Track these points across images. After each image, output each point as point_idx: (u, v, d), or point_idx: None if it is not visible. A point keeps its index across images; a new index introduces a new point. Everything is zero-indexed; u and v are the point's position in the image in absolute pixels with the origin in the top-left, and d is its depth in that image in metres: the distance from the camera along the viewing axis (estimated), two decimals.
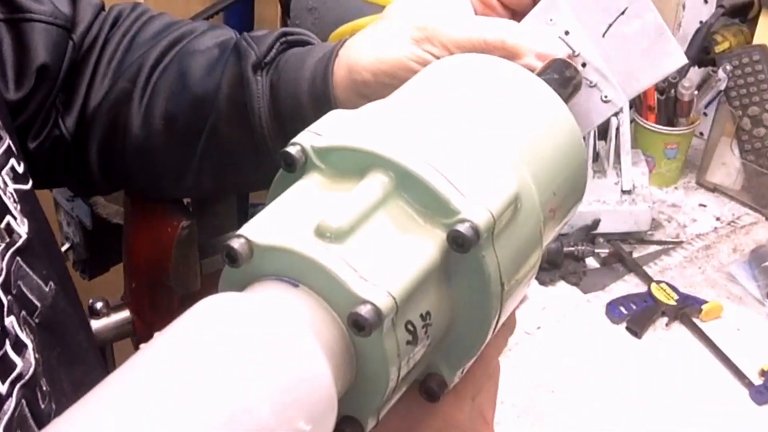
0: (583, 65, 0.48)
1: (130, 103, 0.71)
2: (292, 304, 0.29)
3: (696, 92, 1.29)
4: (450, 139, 0.34)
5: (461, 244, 0.30)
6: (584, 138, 1.19)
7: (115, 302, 0.88)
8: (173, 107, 0.69)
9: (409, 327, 0.30)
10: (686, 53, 1.31)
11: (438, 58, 0.53)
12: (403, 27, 0.56)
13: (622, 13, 0.46)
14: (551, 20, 0.49)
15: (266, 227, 0.31)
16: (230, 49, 0.68)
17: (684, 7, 1.40)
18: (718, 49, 1.31)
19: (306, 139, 0.33)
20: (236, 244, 0.30)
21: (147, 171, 0.74)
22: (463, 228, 0.30)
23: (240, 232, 0.31)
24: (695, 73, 1.37)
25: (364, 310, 0.28)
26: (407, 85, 0.40)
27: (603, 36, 0.47)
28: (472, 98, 0.37)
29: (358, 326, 0.28)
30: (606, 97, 0.47)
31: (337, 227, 0.30)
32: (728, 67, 1.27)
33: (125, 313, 0.87)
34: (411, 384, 0.35)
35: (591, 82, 0.48)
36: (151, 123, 0.70)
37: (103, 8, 0.75)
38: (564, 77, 0.46)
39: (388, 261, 0.30)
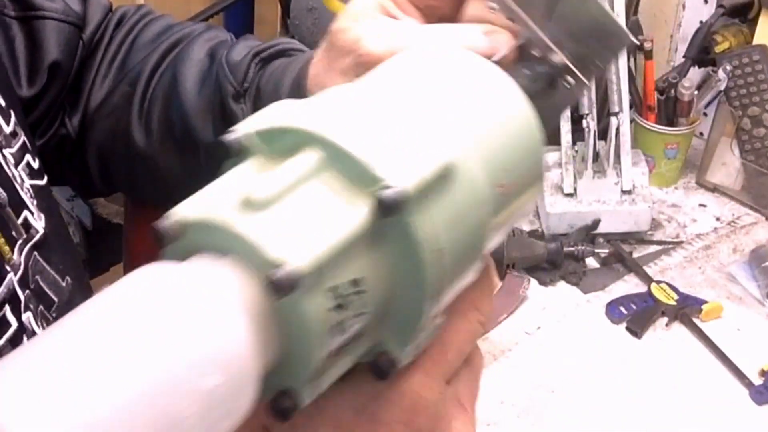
0: (536, 51, 0.47)
1: (130, 108, 0.71)
2: (213, 272, 0.30)
3: (696, 92, 1.29)
4: (387, 116, 0.35)
5: (387, 208, 0.31)
6: (584, 137, 1.19)
7: None
8: (169, 115, 0.69)
9: (336, 292, 0.31)
10: (686, 53, 1.33)
11: None
12: (345, 59, 0.54)
13: None
14: (494, 7, 0.48)
15: (195, 204, 0.32)
16: (214, 75, 0.67)
17: (684, 7, 1.40)
18: (718, 49, 1.31)
19: (243, 125, 0.34)
20: (160, 224, 0.31)
21: (151, 177, 0.74)
22: (387, 193, 0.31)
23: (169, 211, 0.31)
24: (695, 73, 1.37)
25: (280, 272, 0.29)
26: (365, 76, 0.41)
27: (547, 19, 0.46)
28: (419, 82, 0.38)
29: (274, 288, 0.29)
30: (568, 82, 0.47)
31: (260, 197, 0.30)
32: (728, 67, 1.27)
33: None
34: (363, 362, 0.35)
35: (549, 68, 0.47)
36: (151, 129, 0.70)
37: (111, 9, 0.76)
38: (535, 72, 0.46)
39: (312, 227, 0.31)
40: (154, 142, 0.70)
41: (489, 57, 0.47)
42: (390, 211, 0.31)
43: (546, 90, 0.47)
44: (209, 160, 0.68)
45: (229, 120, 0.64)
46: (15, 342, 0.55)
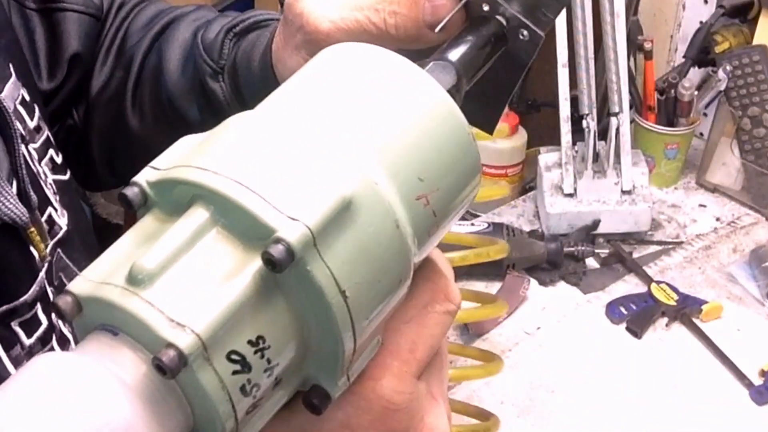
0: (485, 6, 0.47)
1: (125, 93, 0.71)
2: (103, 353, 0.30)
3: (696, 92, 1.29)
4: (285, 149, 0.33)
5: (276, 266, 0.29)
6: (584, 137, 1.18)
7: None
8: (158, 98, 0.69)
9: (234, 357, 0.30)
10: (686, 53, 1.33)
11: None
12: (296, 35, 0.53)
13: None
14: None
15: (91, 276, 0.31)
16: (193, 54, 0.67)
17: (684, 7, 1.40)
18: (718, 49, 1.31)
19: (142, 176, 0.33)
20: (60, 300, 0.31)
21: (147, 160, 0.74)
22: (275, 250, 0.29)
23: (69, 286, 0.31)
24: (695, 74, 1.37)
25: (166, 355, 0.28)
26: (276, 90, 0.39)
27: None
28: (325, 96, 0.36)
29: (162, 370, 0.29)
30: (524, 35, 0.46)
31: (147, 270, 0.30)
32: (728, 68, 1.27)
33: None
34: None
35: (505, 23, 0.47)
36: (144, 113, 0.70)
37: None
38: (482, 35, 0.45)
39: (199, 297, 0.30)
40: (148, 125, 0.70)
41: (434, 23, 0.47)
42: (281, 267, 0.29)
43: (497, 49, 0.46)
44: None
45: (209, 99, 0.64)
46: (45, 340, 0.56)
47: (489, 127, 0.51)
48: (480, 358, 0.92)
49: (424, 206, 0.35)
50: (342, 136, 0.34)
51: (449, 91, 0.40)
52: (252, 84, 0.61)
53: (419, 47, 0.48)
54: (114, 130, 0.72)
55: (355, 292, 0.32)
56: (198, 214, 0.31)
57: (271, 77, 0.58)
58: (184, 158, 0.33)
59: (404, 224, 0.34)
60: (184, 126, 0.67)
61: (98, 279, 0.31)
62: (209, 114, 0.65)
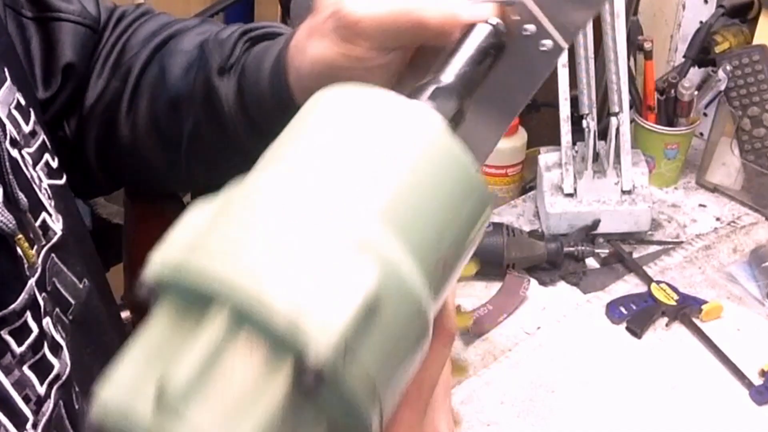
0: (516, 15, 0.45)
1: (120, 104, 0.71)
2: None
3: (696, 92, 1.29)
4: (297, 239, 0.30)
5: (308, 393, 0.29)
6: (584, 138, 1.18)
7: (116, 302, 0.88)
8: (155, 108, 0.69)
9: None
10: (686, 53, 1.32)
11: (363, 55, 0.51)
12: (326, 22, 0.53)
13: None
14: None
15: (114, 396, 0.30)
16: (202, 58, 0.66)
17: (684, 7, 1.40)
18: (718, 49, 1.31)
19: (151, 271, 0.31)
20: (90, 420, 0.30)
21: (139, 170, 0.74)
22: (304, 379, 0.28)
23: (92, 414, 0.30)
24: (695, 73, 1.37)
25: None
26: (270, 150, 0.36)
27: None
28: (329, 165, 0.33)
29: None
30: (544, 45, 0.45)
31: (176, 391, 0.28)
32: (728, 67, 1.27)
33: (125, 314, 0.87)
34: None
35: (527, 30, 0.45)
36: (137, 123, 0.70)
37: (113, 10, 0.76)
38: (480, 47, 0.44)
39: (232, 419, 0.28)
40: (139, 137, 0.70)
41: (469, 21, 0.46)
42: (312, 394, 0.28)
43: (496, 60, 0.45)
44: (190, 151, 0.68)
45: (210, 100, 0.64)
46: (36, 348, 0.55)
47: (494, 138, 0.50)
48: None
49: (443, 267, 0.34)
50: (357, 211, 0.32)
51: (454, 117, 0.39)
52: (256, 90, 0.61)
53: (445, 42, 0.46)
54: (107, 140, 0.72)
55: (383, 386, 0.31)
56: (216, 325, 0.29)
57: (282, 78, 0.58)
58: (195, 248, 0.31)
59: (427, 300, 0.33)
60: (175, 139, 0.67)
61: (122, 399, 0.29)
62: (208, 118, 0.65)
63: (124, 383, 0.30)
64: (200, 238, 0.31)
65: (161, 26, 0.73)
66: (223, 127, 0.64)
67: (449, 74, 0.42)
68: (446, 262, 0.34)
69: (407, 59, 0.53)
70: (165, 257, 0.31)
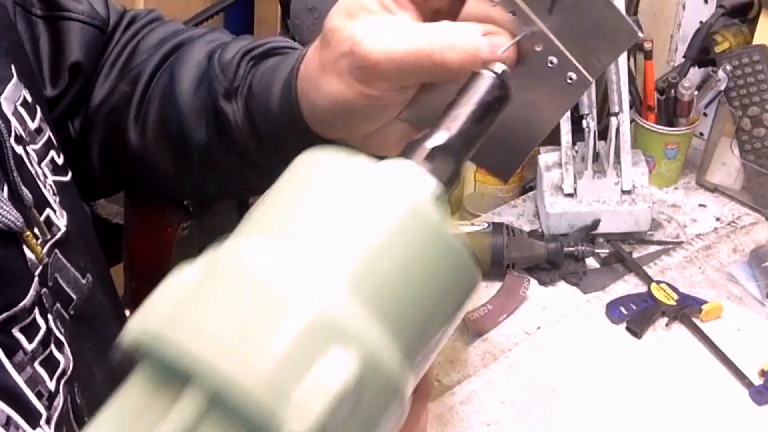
0: (538, 47, 0.45)
1: (128, 108, 0.71)
2: None
3: (696, 92, 1.29)
4: (274, 322, 0.30)
5: None
6: (584, 137, 1.18)
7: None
8: (165, 117, 0.69)
9: None
10: (686, 53, 1.32)
11: (381, 95, 0.50)
12: (341, 60, 0.51)
13: None
14: (495, 1, 0.46)
15: None
16: (207, 75, 0.66)
17: (684, 7, 1.40)
18: (718, 49, 1.31)
19: (130, 334, 0.31)
20: None
21: (146, 176, 0.74)
22: None
23: None
24: (695, 73, 1.37)
25: None
26: (254, 213, 0.35)
27: (550, 12, 0.44)
28: (311, 239, 0.33)
29: None
30: (571, 78, 0.44)
31: None
32: (728, 67, 1.27)
33: (128, 311, 0.87)
34: None
35: (551, 63, 0.45)
36: (147, 129, 0.70)
37: (124, 14, 0.76)
38: (484, 105, 0.42)
39: None
40: (148, 143, 0.71)
41: (490, 60, 0.45)
42: None
43: (499, 113, 0.44)
44: (203, 162, 0.68)
45: (220, 120, 0.64)
46: (45, 344, 0.55)
47: (506, 175, 0.49)
48: None
49: (424, 342, 0.34)
50: (341, 294, 0.31)
51: (450, 179, 0.38)
52: (266, 111, 0.60)
53: (458, 78, 0.46)
54: (113, 143, 0.73)
55: None
56: (193, 402, 0.29)
57: (294, 105, 0.57)
58: (175, 318, 0.30)
59: (405, 382, 0.33)
60: (189, 147, 0.67)
61: None
62: (218, 137, 0.65)
63: None
64: (180, 310, 0.31)
65: (171, 33, 0.74)
66: (234, 146, 0.64)
67: (449, 131, 0.41)
68: (428, 337, 0.34)
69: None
70: (144, 325, 0.31)
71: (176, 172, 0.71)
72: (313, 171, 0.35)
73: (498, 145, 0.46)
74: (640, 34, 0.43)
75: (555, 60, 0.45)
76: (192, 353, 0.29)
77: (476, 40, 0.47)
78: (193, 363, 0.29)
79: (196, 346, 0.29)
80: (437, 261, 0.34)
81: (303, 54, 0.58)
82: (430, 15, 0.52)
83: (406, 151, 0.39)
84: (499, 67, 0.45)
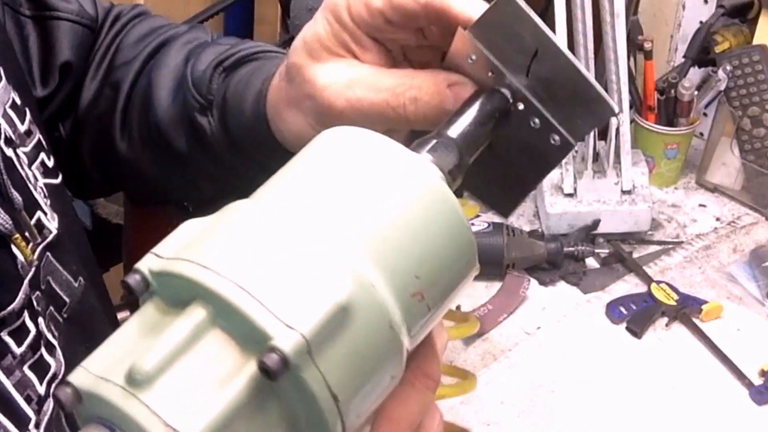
0: (520, 105, 0.46)
1: (114, 114, 0.71)
2: None
3: (696, 92, 1.29)
4: (284, 250, 0.33)
5: (270, 375, 0.30)
6: (584, 138, 1.18)
7: (115, 302, 0.88)
8: (146, 124, 0.69)
9: None
10: (686, 53, 1.32)
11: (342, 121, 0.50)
12: (304, 101, 0.51)
13: (535, 55, 0.44)
14: (472, 58, 0.46)
15: (92, 369, 0.32)
16: (183, 85, 0.66)
17: (684, 7, 1.40)
18: (718, 49, 1.31)
19: (145, 263, 0.34)
20: (60, 392, 0.32)
21: (137, 180, 0.74)
22: (270, 359, 0.30)
23: (69, 377, 0.32)
24: (695, 73, 1.37)
25: None
26: (273, 178, 0.39)
27: (527, 75, 0.45)
28: (323, 191, 0.36)
29: None
30: (554, 139, 0.45)
31: (146, 371, 0.31)
32: (728, 67, 1.27)
33: (125, 314, 0.87)
34: None
35: (534, 123, 0.45)
36: (132, 135, 0.70)
37: (110, 10, 0.76)
38: (485, 110, 0.44)
39: (195, 402, 0.31)
40: (136, 149, 0.70)
41: (454, 109, 0.46)
42: (276, 376, 0.30)
43: (502, 123, 0.45)
44: (186, 168, 0.68)
45: (197, 133, 0.64)
46: (34, 348, 0.55)
47: (506, 212, 0.51)
48: (455, 375, 0.91)
49: (419, 301, 0.36)
50: (341, 236, 0.34)
51: (451, 171, 0.41)
52: (241, 124, 0.60)
53: (426, 128, 0.46)
54: (103, 149, 0.72)
55: (346, 395, 0.33)
56: (197, 314, 0.32)
57: (263, 125, 0.57)
58: (186, 249, 0.33)
59: (399, 323, 0.35)
60: (172, 154, 0.67)
61: (98, 372, 0.32)
62: (197, 146, 0.65)
63: (103, 360, 0.32)
64: (191, 244, 0.34)
65: (150, 31, 0.73)
66: (214, 155, 0.64)
67: (452, 131, 0.43)
68: (424, 299, 0.36)
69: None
70: (155, 259, 0.34)
71: (163, 177, 0.71)
72: (336, 144, 0.38)
73: (496, 187, 0.49)
74: (616, 108, 0.43)
75: (537, 121, 0.45)
76: (197, 273, 0.32)
77: (442, 92, 0.47)
78: (198, 282, 0.32)
79: (200, 268, 0.32)
80: (443, 232, 0.37)
81: (273, 68, 0.57)
82: (399, 50, 0.51)
83: (415, 147, 0.42)
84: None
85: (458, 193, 0.45)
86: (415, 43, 0.51)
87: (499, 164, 0.48)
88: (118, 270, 0.90)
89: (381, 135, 0.38)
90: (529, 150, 0.46)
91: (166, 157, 0.68)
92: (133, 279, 0.33)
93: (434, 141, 0.42)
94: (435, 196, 0.37)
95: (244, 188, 0.42)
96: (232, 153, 0.63)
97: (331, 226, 0.34)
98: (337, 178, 0.37)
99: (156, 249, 0.34)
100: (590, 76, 0.44)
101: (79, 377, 0.32)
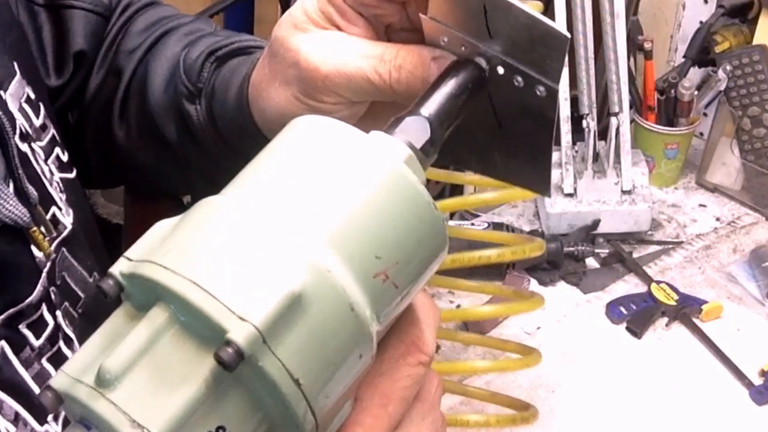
0: (501, 69, 0.46)
1: (114, 103, 0.71)
2: None
3: (696, 92, 1.29)
4: (240, 244, 0.34)
5: (227, 366, 0.32)
6: (584, 138, 1.18)
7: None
8: (143, 113, 0.69)
9: None
10: (686, 53, 1.32)
11: (328, 110, 0.51)
12: (289, 71, 0.51)
13: (485, 12, 0.44)
14: (444, 40, 0.47)
15: (69, 371, 0.34)
16: (175, 74, 0.66)
17: (684, 7, 1.40)
18: (718, 49, 1.31)
19: (117, 267, 0.35)
20: (42, 396, 0.34)
21: (136, 171, 0.74)
22: (224, 352, 0.31)
23: (50, 380, 0.34)
24: (695, 73, 1.37)
25: None
26: (241, 173, 0.39)
27: (491, 37, 0.45)
28: (282, 183, 0.37)
29: None
30: (540, 90, 0.45)
31: (112, 372, 0.33)
32: (728, 67, 1.27)
33: None
34: None
35: (517, 82, 0.45)
36: (130, 124, 0.70)
37: (120, 1, 0.76)
38: (458, 82, 0.45)
39: (158, 398, 0.32)
40: (133, 138, 0.70)
41: (457, 61, 0.46)
42: (231, 367, 0.31)
43: (476, 94, 0.46)
44: (178, 158, 0.68)
45: (185, 121, 0.64)
46: (53, 340, 0.55)
47: (543, 187, 0.50)
48: (520, 352, 0.93)
49: (383, 281, 0.36)
50: (297, 225, 0.35)
51: (423, 148, 0.41)
52: (225, 113, 0.60)
53: (408, 101, 0.46)
54: (103, 137, 0.72)
55: (309, 377, 0.34)
56: (158, 315, 0.34)
57: (245, 110, 0.57)
58: (152, 251, 0.35)
59: (361, 305, 0.35)
60: (164, 143, 0.67)
61: (74, 374, 0.34)
62: (186, 135, 0.65)
63: (79, 363, 0.34)
64: (158, 245, 0.35)
65: (159, 19, 0.73)
66: (200, 145, 0.64)
67: (425, 107, 0.44)
68: (389, 278, 0.37)
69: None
70: (125, 262, 0.35)
71: (159, 167, 0.71)
72: (296, 133, 0.39)
73: (523, 167, 0.49)
74: (568, 35, 0.43)
75: (519, 78, 0.45)
76: (158, 276, 0.33)
77: (425, 63, 0.47)
78: (159, 283, 0.33)
79: (162, 270, 0.34)
80: (403, 211, 0.37)
81: (254, 61, 0.57)
82: (383, 29, 0.51)
83: (387, 127, 0.42)
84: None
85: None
86: (399, 23, 0.51)
87: (512, 140, 0.48)
88: None
89: (339, 122, 0.38)
90: (526, 112, 0.46)
91: (159, 146, 0.68)
92: (106, 284, 0.35)
93: (406, 119, 0.42)
94: (392, 177, 0.37)
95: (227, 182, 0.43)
96: (216, 144, 0.63)
97: (288, 216, 0.35)
98: (296, 169, 0.37)
99: (128, 252, 0.36)
100: (535, 12, 0.44)
101: (59, 380, 0.34)
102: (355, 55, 0.49)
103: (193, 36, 0.69)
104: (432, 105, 0.44)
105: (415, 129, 0.42)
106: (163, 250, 0.35)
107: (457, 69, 0.46)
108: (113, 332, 0.35)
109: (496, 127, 0.47)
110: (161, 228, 0.36)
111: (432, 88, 0.45)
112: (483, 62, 0.46)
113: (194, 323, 0.33)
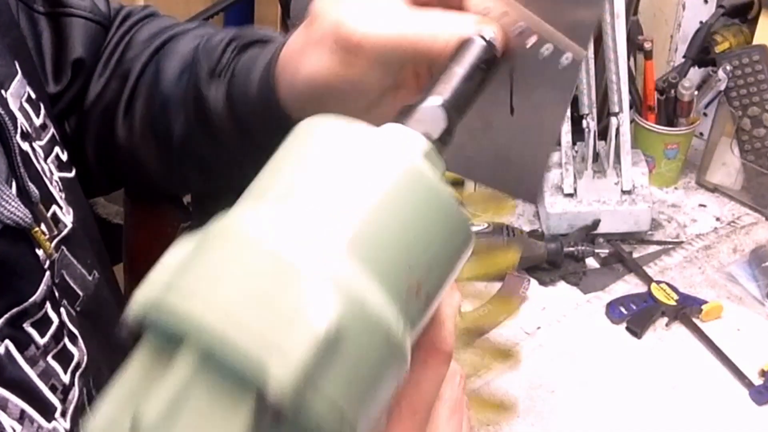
0: (529, 41, 0.45)
1: (118, 104, 0.71)
2: None
3: (696, 92, 1.29)
4: (266, 279, 0.31)
5: (272, 417, 0.30)
6: (584, 138, 1.18)
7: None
8: (150, 109, 0.69)
9: None
10: (686, 53, 1.33)
11: (360, 78, 0.51)
12: (325, 38, 0.51)
13: None
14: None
15: (99, 423, 0.32)
16: (191, 63, 0.66)
17: (684, 7, 1.40)
18: (718, 49, 1.31)
19: (136, 301, 0.32)
20: None
21: (136, 172, 0.74)
22: (265, 415, 0.29)
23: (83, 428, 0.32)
24: (695, 73, 1.37)
25: None
26: (250, 186, 0.37)
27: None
28: (297, 200, 0.34)
29: None
30: (566, 58, 0.44)
31: (146, 427, 0.30)
32: (728, 67, 1.27)
33: None
34: None
35: (545, 52, 0.45)
36: (134, 126, 0.70)
37: (120, 10, 0.76)
38: (471, 63, 0.43)
39: None
40: (135, 138, 0.71)
41: (467, 39, 0.45)
42: (276, 417, 0.29)
43: (488, 75, 0.45)
44: (183, 155, 0.68)
45: (199, 107, 0.64)
46: (57, 338, 0.56)
47: (533, 196, 0.50)
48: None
49: (416, 294, 0.34)
50: (321, 246, 0.32)
51: (441, 137, 0.39)
52: (245, 96, 0.60)
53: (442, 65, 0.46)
54: (104, 140, 0.73)
55: (353, 411, 0.32)
56: (187, 361, 0.31)
57: (271, 87, 0.57)
58: (171, 286, 0.32)
59: (396, 327, 0.33)
60: (167, 140, 0.67)
61: (105, 426, 0.31)
62: (199, 124, 0.65)
63: (106, 417, 0.32)
64: (176, 278, 0.32)
65: (163, 29, 0.74)
66: (214, 135, 0.64)
67: (439, 93, 0.42)
68: (422, 287, 0.34)
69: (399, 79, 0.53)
70: (143, 297, 0.32)
71: (161, 168, 0.71)
72: (307, 138, 0.36)
73: (516, 168, 0.48)
74: None
75: (548, 48, 0.45)
76: (182, 314, 0.30)
77: (466, 28, 0.47)
78: (184, 323, 0.30)
79: (186, 308, 0.30)
80: (429, 213, 0.34)
81: (286, 39, 0.58)
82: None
83: (399, 116, 0.40)
84: (488, 33, 0.45)
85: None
86: None
87: (513, 135, 0.47)
88: (118, 270, 0.90)
89: (350, 121, 0.36)
90: (542, 91, 0.46)
91: (165, 144, 0.68)
92: (129, 323, 0.32)
93: (420, 106, 0.40)
94: (413, 175, 0.34)
95: (235, 186, 0.43)
96: (231, 129, 0.63)
97: (310, 237, 0.32)
98: (308, 181, 0.34)
99: (142, 289, 0.33)
100: None
101: (91, 428, 0.32)
102: (394, 22, 0.49)
103: (207, 34, 0.69)
104: (445, 90, 0.42)
105: (431, 118, 0.40)
106: (182, 288, 0.32)
107: (466, 50, 0.45)
108: (139, 374, 0.32)
109: (491, 123, 0.47)
110: (175, 258, 0.33)
111: (444, 73, 0.43)
112: (495, 38, 0.45)
113: (225, 372, 0.30)
